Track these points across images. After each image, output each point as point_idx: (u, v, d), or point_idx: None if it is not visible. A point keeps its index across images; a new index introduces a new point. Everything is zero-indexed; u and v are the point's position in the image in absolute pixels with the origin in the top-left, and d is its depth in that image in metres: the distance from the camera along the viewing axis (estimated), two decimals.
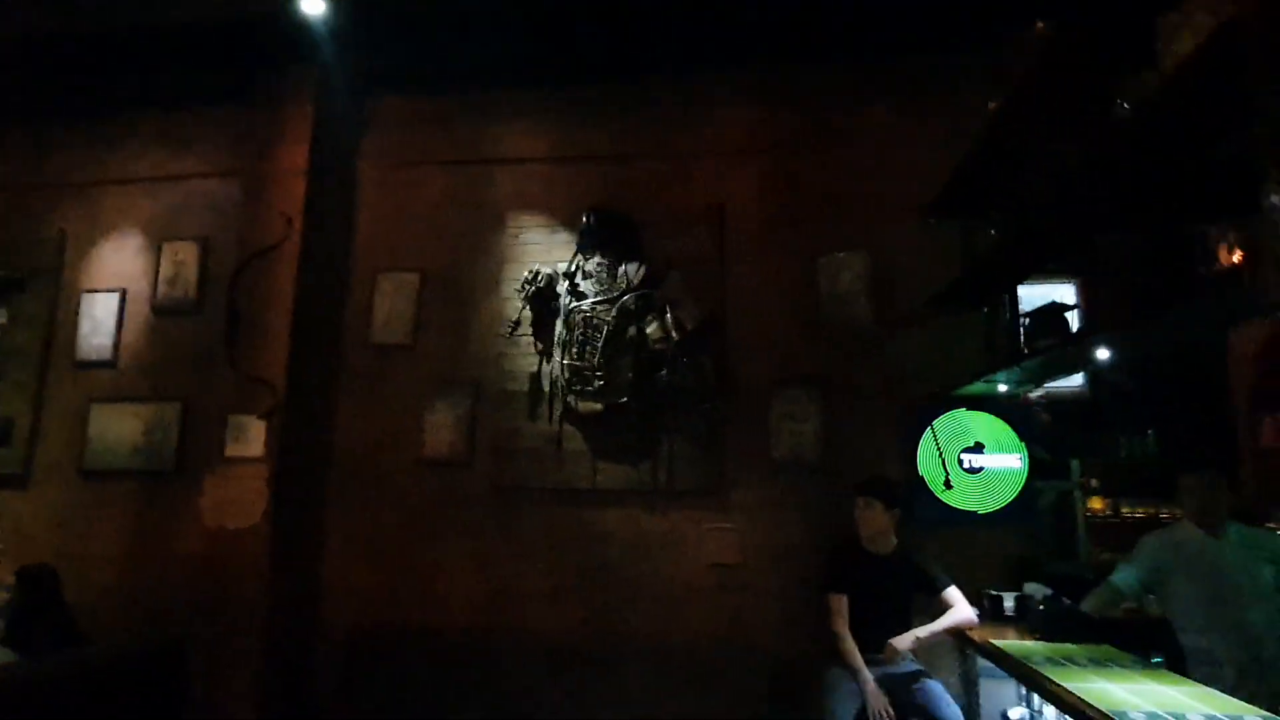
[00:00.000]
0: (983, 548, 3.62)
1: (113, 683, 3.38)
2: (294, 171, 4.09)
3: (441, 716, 3.54)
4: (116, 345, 4.55)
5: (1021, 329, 3.04)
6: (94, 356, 4.55)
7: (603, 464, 3.94)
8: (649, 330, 3.86)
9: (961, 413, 3.74)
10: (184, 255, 4.54)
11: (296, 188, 4.07)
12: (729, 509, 3.85)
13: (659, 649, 3.67)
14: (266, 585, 3.67)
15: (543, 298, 4.01)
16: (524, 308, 4.05)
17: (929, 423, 3.75)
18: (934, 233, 3.68)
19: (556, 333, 3.96)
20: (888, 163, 3.99)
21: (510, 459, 4.03)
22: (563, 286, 3.99)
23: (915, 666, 3.20)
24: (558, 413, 4.00)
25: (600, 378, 3.86)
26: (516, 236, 4.26)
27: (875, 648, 3.10)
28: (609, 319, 3.88)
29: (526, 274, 4.04)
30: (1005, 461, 3.69)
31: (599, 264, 3.99)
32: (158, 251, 4.59)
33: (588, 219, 3.99)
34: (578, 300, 3.96)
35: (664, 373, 3.84)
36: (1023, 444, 3.69)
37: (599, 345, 3.87)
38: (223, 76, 4.49)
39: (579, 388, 3.90)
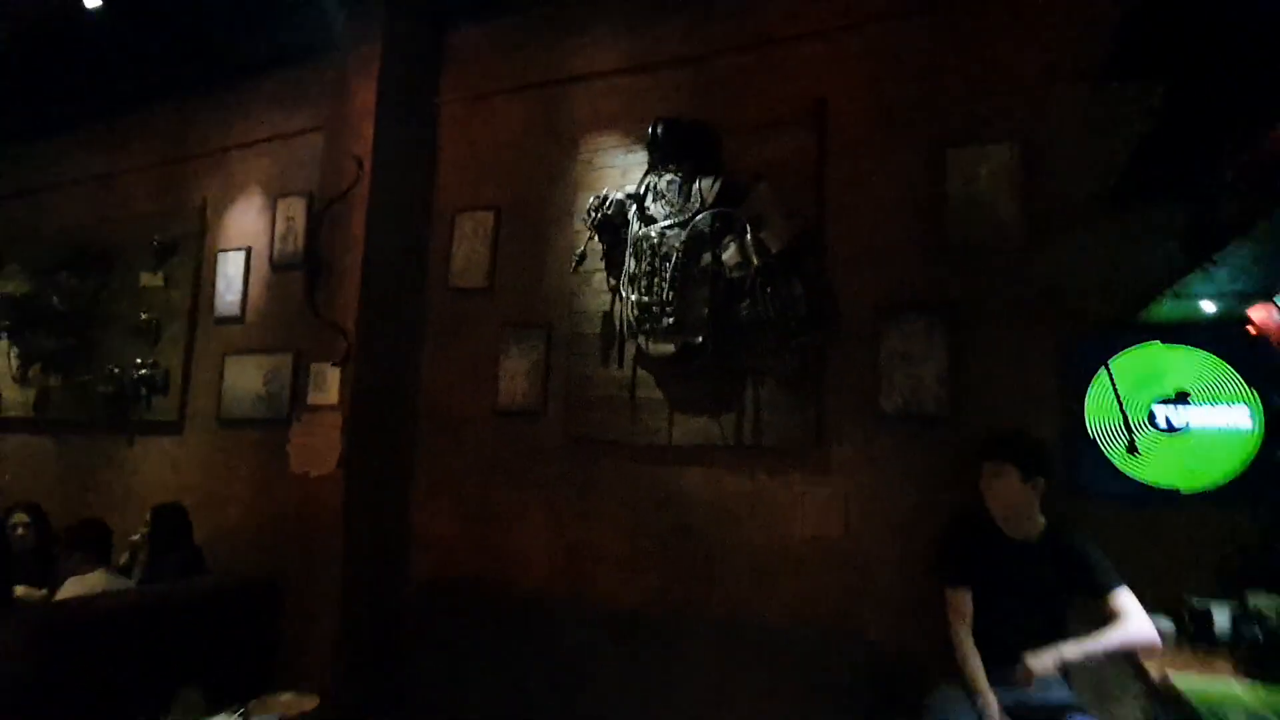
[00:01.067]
0: (1185, 540, 2.59)
1: (216, 611, 3.57)
2: (364, 112, 3.95)
3: (507, 671, 3.30)
4: (244, 301, 4.81)
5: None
6: (226, 312, 4.85)
7: (680, 416, 3.41)
8: (725, 256, 3.23)
9: (1154, 347, 2.70)
10: (294, 211, 4.66)
11: (366, 128, 3.93)
12: (828, 470, 3.16)
13: (739, 627, 3.12)
14: (343, 532, 3.64)
15: (612, 226, 3.53)
16: (591, 238, 3.60)
17: (1103, 362, 2.76)
18: (1104, 105, 2.65)
19: (625, 265, 3.47)
20: (1032, 21, 2.96)
21: (583, 409, 3.64)
22: (632, 211, 3.48)
23: (1064, 696, 2.36)
24: (629, 357, 3.53)
25: (671, 314, 3.32)
26: (590, 161, 3.81)
27: (1007, 664, 2.30)
28: (678, 245, 3.31)
29: (593, 199, 3.57)
30: (1225, 417, 2.61)
31: (670, 182, 3.41)
32: (273, 209, 4.76)
33: (655, 131, 3.42)
34: (646, 226, 3.42)
35: (745, 305, 3.20)
36: (1254, 392, 2.59)
37: (668, 276, 3.32)
38: (321, 29, 4.47)
39: (649, 327, 3.39)
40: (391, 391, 3.97)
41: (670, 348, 3.35)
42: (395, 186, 4.04)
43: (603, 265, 3.64)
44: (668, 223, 3.37)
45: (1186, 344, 2.65)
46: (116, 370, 5.12)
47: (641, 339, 3.43)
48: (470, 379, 4.01)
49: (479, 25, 4.27)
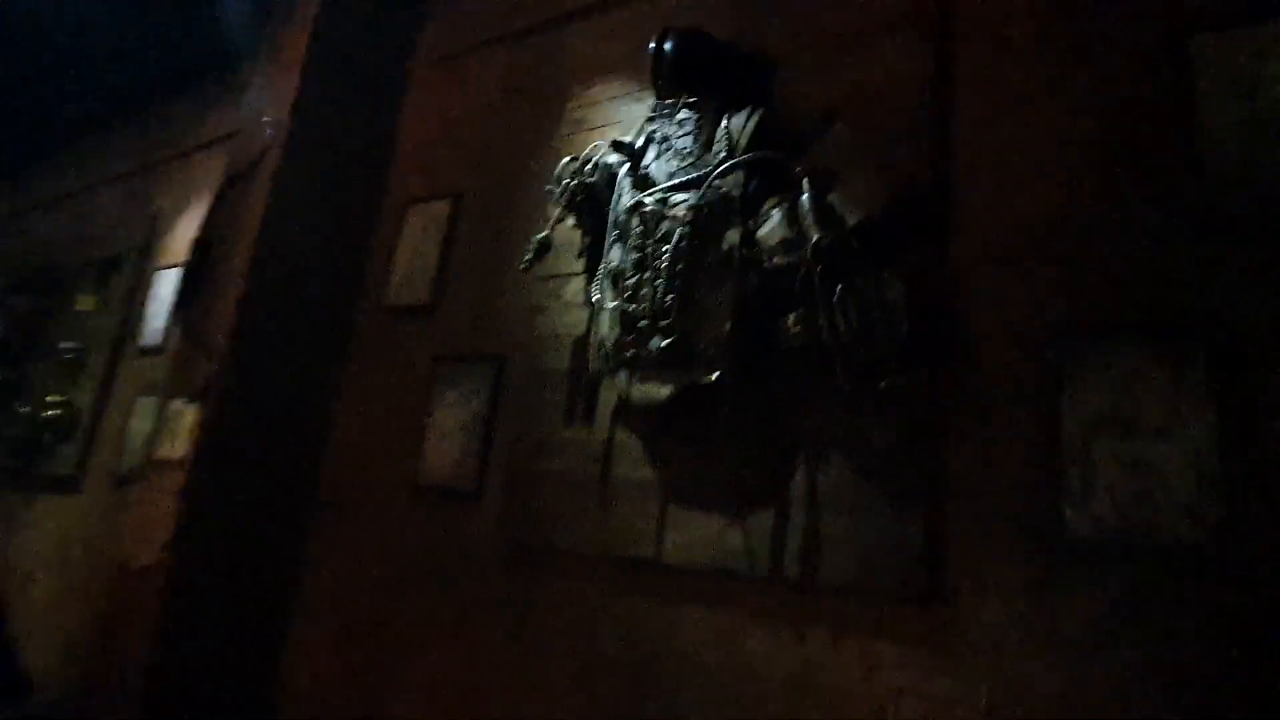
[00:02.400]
0: None
1: None
2: (289, 64, 2.91)
3: None
4: (169, 328, 3.78)
5: None
6: (151, 342, 3.83)
7: (678, 512, 1.95)
8: (763, 232, 1.83)
9: None
10: None
11: (288, 86, 2.88)
12: (953, 643, 1.59)
13: None
14: (151, 663, 2.32)
15: (596, 204, 2.22)
16: (559, 219, 2.28)
17: None
18: None
19: (604, 258, 2.12)
20: None
21: (533, 493, 2.24)
22: (624, 176, 2.16)
23: None
24: (607, 407, 2.13)
25: (669, 331, 1.92)
26: (582, 119, 2.56)
27: None
28: (686, 217, 1.93)
29: (566, 161, 2.29)
30: None
31: (683, 123, 2.09)
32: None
33: (661, 47, 2.13)
34: (641, 192, 2.09)
35: (794, 318, 1.76)
36: None
37: (664, 267, 1.94)
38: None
39: (633, 355, 2.00)
40: (271, 448, 2.70)
41: (665, 390, 1.93)
42: (325, 166, 2.93)
43: (581, 267, 2.32)
44: (672, 183, 2.03)
45: None
46: (27, 410, 4.17)
47: (623, 376, 2.03)
48: (388, 437, 2.71)
49: None
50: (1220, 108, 1.57)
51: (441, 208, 2.86)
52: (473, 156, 2.89)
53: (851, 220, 1.75)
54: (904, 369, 1.64)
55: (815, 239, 1.71)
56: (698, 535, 1.91)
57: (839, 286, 1.69)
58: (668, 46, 2.10)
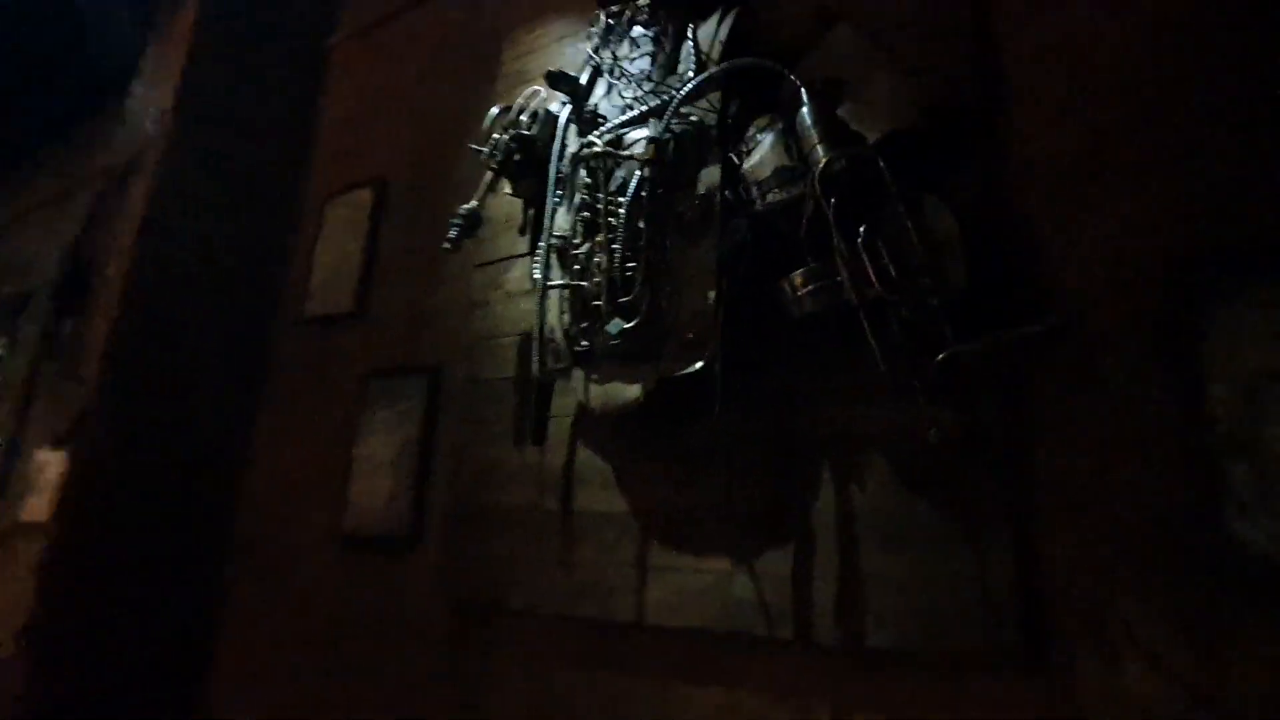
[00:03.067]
0: None
1: None
2: (175, 46, 2.45)
3: None
4: None
5: None
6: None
7: (663, 555, 1.44)
8: (750, 165, 1.34)
9: None
10: None
11: (172, 69, 2.41)
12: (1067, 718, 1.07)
13: None
14: None
15: (538, 161, 1.72)
16: (490, 186, 1.79)
17: None
18: None
19: (548, 226, 1.62)
20: None
21: (479, 534, 1.73)
22: (565, 120, 1.67)
23: None
24: (563, 420, 1.63)
25: (631, 309, 1.42)
26: (522, 70, 2.08)
27: None
28: (648, 156, 1.43)
29: (496, 111, 1.81)
30: None
31: (637, 40, 1.61)
32: None
33: None
34: (590, 133, 1.59)
35: (801, 276, 1.26)
36: None
37: (618, 226, 1.44)
38: None
39: (587, 345, 1.50)
40: (165, 498, 2.19)
41: (632, 390, 1.42)
42: (223, 160, 2.45)
43: (526, 247, 1.83)
44: (627, 117, 1.54)
45: None
46: None
47: (579, 377, 1.53)
48: (311, 474, 2.21)
49: None
50: None
51: (364, 197, 2.38)
52: (398, 136, 2.41)
53: (873, 135, 1.26)
54: (966, 333, 1.13)
55: (825, 161, 1.22)
56: (690, 586, 1.39)
57: (863, 226, 1.19)
58: None
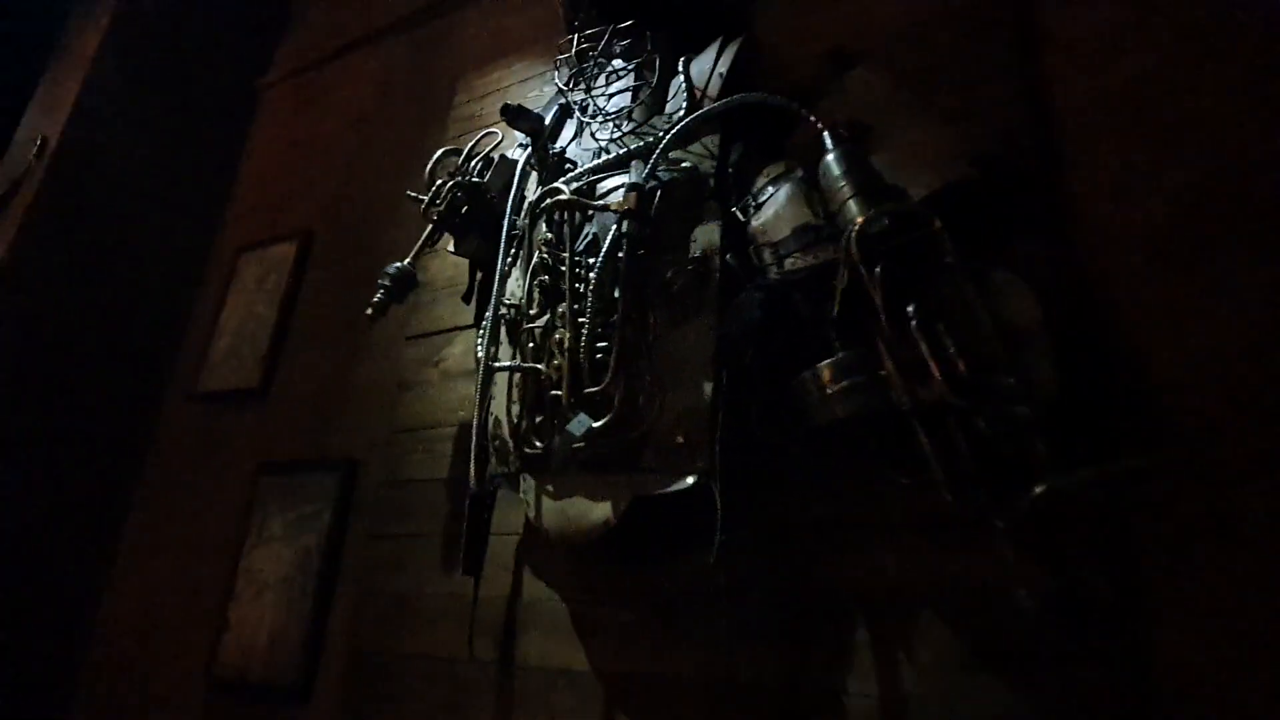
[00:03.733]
0: None
1: None
2: (73, 68, 2.11)
3: None
4: None
5: None
6: None
7: None
8: (760, 222, 1.05)
9: None
10: None
11: (67, 93, 2.06)
12: None
13: None
14: None
15: (489, 213, 1.40)
16: (430, 240, 1.44)
17: None
18: None
19: (499, 291, 1.29)
20: None
21: (388, 691, 1.31)
22: (523, 159, 1.37)
23: None
24: (511, 541, 1.26)
25: (601, 402, 1.08)
26: (476, 115, 1.80)
27: None
28: (622, 207, 1.12)
29: (441, 152, 1.49)
30: None
31: (615, 74, 1.33)
32: None
33: None
34: (555, 180, 1.28)
35: (829, 369, 0.94)
36: None
37: (588, 295, 1.11)
38: None
39: (539, 444, 1.15)
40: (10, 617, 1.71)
41: (599, 511, 1.07)
42: (117, 202, 2.08)
43: (471, 317, 1.49)
44: (603, 160, 1.24)
45: None
46: None
47: (529, 486, 1.17)
48: (181, 592, 1.76)
49: None
50: None
51: (284, 252, 2.03)
52: (330, 185, 2.09)
53: (919, 189, 0.98)
54: (1056, 453, 0.83)
55: (863, 218, 0.93)
56: None
57: (912, 302, 0.90)
58: None
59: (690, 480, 1.01)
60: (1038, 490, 0.79)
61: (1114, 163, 1.04)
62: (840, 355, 0.94)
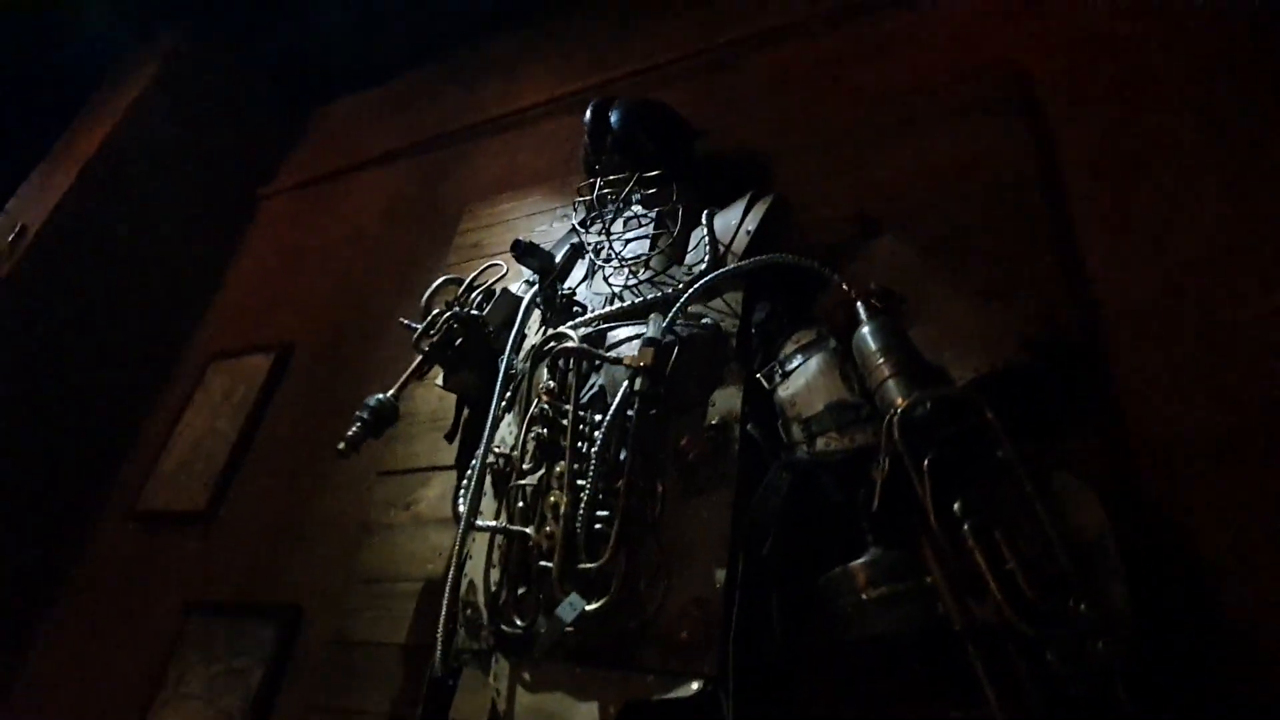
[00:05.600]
0: None
1: None
2: (71, 159, 2.06)
3: None
4: None
5: None
6: None
7: None
8: (788, 393, 0.96)
9: None
10: None
11: (55, 187, 2.00)
12: None
13: None
14: None
15: (485, 351, 1.31)
16: (419, 371, 1.34)
17: None
18: None
19: (488, 437, 1.17)
20: None
21: None
22: (528, 297, 1.30)
23: None
24: None
25: (596, 581, 0.94)
26: (479, 242, 1.75)
27: None
28: (634, 362, 1.03)
29: (441, 280, 1.42)
30: None
31: (635, 220, 1.29)
32: None
33: (601, 113, 1.37)
34: (562, 324, 1.20)
35: (863, 571, 0.83)
36: None
37: (590, 454, 1.00)
38: None
39: (519, 623, 0.99)
40: None
41: (582, 714, 0.90)
42: (89, 294, 1.97)
43: (454, 458, 1.36)
44: (615, 308, 1.16)
45: None
46: None
47: (502, 670, 1.00)
48: None
49: (353, 94, 2.58)
50: None
51: (258, 364, 1.91)
52: (319, 299, 2.01)
53: (964, 372, 0.90)
54: (1137, 697, 0.70)
55: (904, 402, 0.84)
56: None
57: (964, 505, 0.79)
58: (614, 116, 1.34)
59: (695, 686, 0.86)
60: None
61: (1164, 364, 0.98)
62: (879, 555, 0.82)
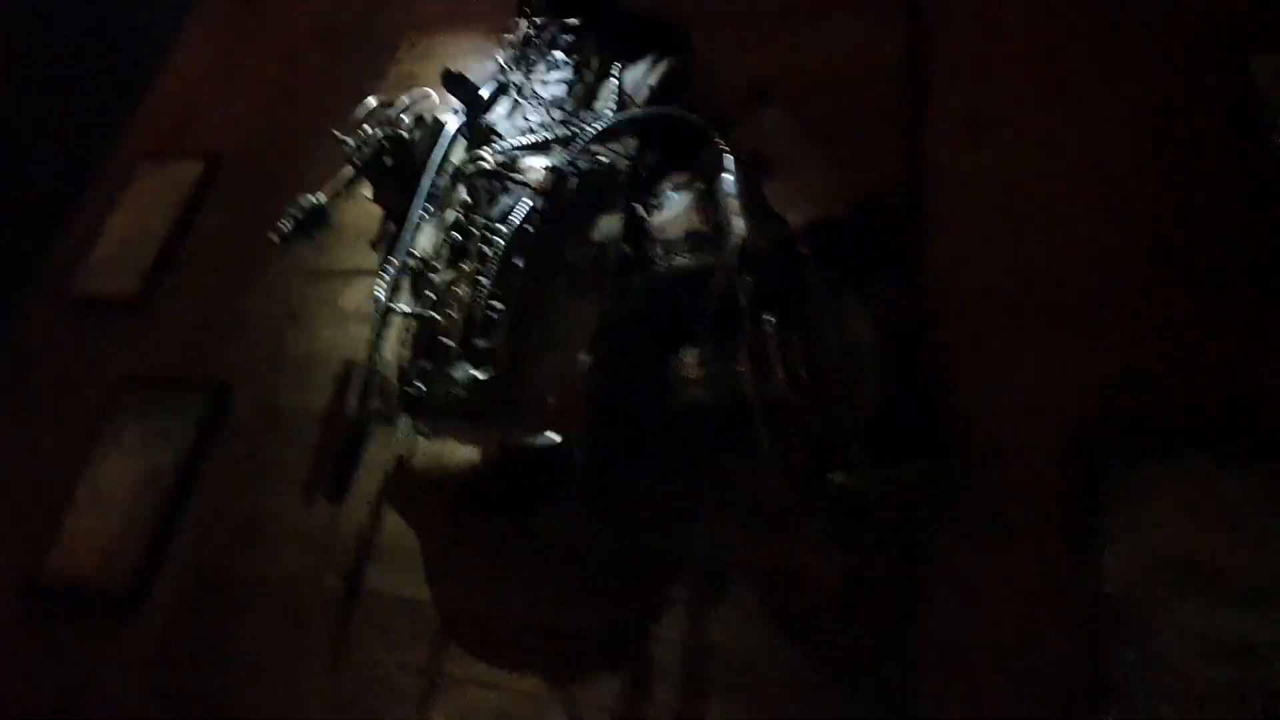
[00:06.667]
0: None
1: None
2: None
3: None
4: None
5: None
6: None
7: (462, 663, 1.14)
8: (658, 221, 1.17)
9: None
10: None
11: None
12: None
13: None
14: None
15: (411, 170, 1.45)
16: (348, 183, 1.48)
17: None
18: None
19: (407, 243, 1.34)
20: None
21: (224, 610, 1.33)
22: (453, 124, 1.44)
23: None
24: (378, 477, 1.31)
25: (488, 357, 1.16)
26: (410, 75, 1.84)
27: None
28: (539, 185, 1.21)
29: (374, 102, 1.53)
30: None
31: (556, 64, 1.43)
32: None
33: None
34: (481, 147, 1.36)
35: (694, 358, 1.08)
36: None
37: (493, 258, 1.19)
38: None
39: (425, 389, 1.21)
40: None
41: (468, 459, 1.15)
42: (16, 79, 1.97)
43: (376, 264, 1.52)
44: (530, 140, 1.33)
45: None
46: None
47: (405, 427, 1.23)
48: (13, 504, 1.68)
49: None
50: None
51: (189, 170, 1.97)
52: (250, 113, 2.06)
53: (798, 219, 1.13)
54: (871, 458, 0.98)
55: (745, 236, 1.07)
56: (487, 707, 1.10)
57: (774, 315, 1.04)
58: None
59: (557, 439, 1.11)
60: (841, 478, 0.94)
61: (976, 234, 1.23)
62: (705, 346, 1.07)
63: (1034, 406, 1.06)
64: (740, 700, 0.99)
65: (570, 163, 1.23)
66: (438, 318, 1.23)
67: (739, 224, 1.09)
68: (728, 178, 1.15)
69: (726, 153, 1.19)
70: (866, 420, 0.99)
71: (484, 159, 1.29)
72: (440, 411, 1.20)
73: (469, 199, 1.29)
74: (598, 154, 1.26)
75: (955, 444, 1.05)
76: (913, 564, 1.01)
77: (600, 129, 1.24)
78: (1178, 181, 1.16)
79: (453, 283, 1.24)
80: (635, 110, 1.27)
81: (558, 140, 1.29)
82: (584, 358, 1.13)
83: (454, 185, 1.35)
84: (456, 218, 1.27)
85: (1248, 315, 1.05)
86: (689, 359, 1.07)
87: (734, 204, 1.12)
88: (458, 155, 1.42)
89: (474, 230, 1.24)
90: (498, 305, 1.19)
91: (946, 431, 1.06)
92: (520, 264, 1.20)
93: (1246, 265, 1.07)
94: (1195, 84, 1.21)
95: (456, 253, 1.27)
